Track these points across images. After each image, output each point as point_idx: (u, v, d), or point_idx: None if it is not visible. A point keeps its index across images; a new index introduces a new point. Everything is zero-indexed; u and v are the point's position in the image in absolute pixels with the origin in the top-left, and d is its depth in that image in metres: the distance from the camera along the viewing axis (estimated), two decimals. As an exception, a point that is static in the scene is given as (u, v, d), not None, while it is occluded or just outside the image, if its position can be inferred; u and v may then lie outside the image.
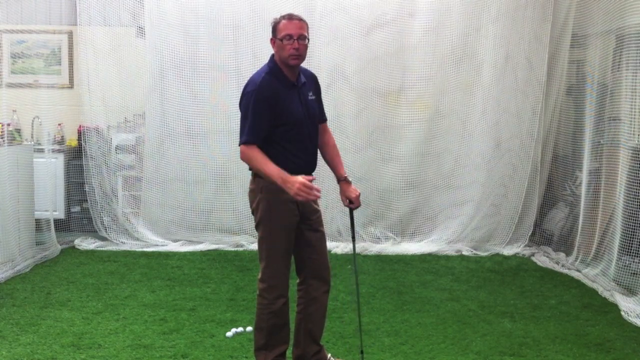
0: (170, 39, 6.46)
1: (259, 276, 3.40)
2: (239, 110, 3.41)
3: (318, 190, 3.11)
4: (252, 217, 3.44)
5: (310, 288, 3.46)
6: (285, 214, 3.31)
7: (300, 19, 3.30)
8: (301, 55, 3.27)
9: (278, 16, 3.34)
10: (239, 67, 6.44)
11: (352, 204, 3.50)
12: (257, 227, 3.40)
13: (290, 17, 3.28)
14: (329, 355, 3.62)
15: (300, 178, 3.09)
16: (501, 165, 6.64)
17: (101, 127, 6.66)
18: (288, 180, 3.10)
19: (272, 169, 3.15)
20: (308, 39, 3.31)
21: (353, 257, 3.69)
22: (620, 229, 5.04)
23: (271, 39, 3.33)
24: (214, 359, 3.73)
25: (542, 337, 4.15)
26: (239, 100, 3.38)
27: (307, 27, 3.33)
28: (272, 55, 3.37)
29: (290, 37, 3.23)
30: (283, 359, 3.47)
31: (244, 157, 3.25)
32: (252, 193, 3.38)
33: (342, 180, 3.54)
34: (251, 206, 3.42)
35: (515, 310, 4.66)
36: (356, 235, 6.50)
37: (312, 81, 3.49)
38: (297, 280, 3.51)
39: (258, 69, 3.43)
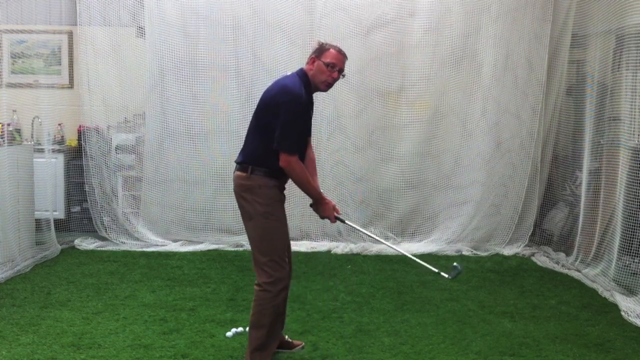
0: (170, 39, 6.46)
1: (261, 273, 3.43)
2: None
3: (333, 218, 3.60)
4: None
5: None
6: (282, 207, 3.51)
7: (345, 56, 3.52)
8: (332, 86, 3.49)
9: (327, 42, 3.54)
10: (239, 67, 6.44)
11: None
12: (254, 222, 3.43)
13: (340, 51, 3.49)
14: (286, 336, 3.84)
15: (333, 203, 3.59)
16: (501, 165, 6.64)
17: (101, 127, 6.67)
18: (325, 201, 3.55)
19: (315, 187, 3.52)
20: (344, 76, 3.53)
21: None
22: (620, 229, 5.05)
23: (313, 57, 3.48)
24: (214, 359, 3.73)
25: (542, 337, 4.15)
26: (266, 102, 3.44)
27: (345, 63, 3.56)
28: (302, 70, 3.51)
29: (334, 66, 3.43)
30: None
31: (288, 166, 3.38)
32: (249, 190, 3.43)
33: None
34: (244, 202, 3.46)
35: (515, 310, 4.67)
36: (356, 235, 6.55)
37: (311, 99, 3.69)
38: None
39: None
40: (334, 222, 3.62)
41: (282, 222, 3.49)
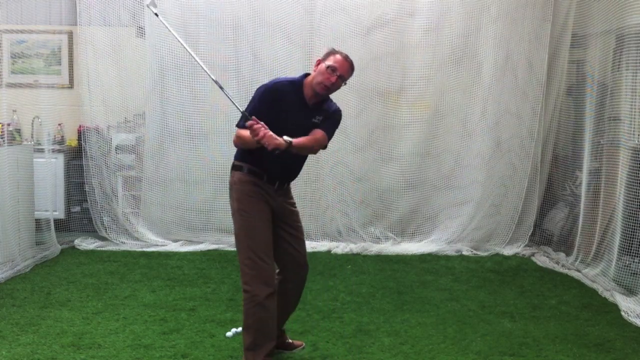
0: (170, 39, 6.43)
1: (241, 273, 3.43)
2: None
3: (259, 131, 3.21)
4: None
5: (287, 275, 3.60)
6: (260, 205, 3.43)
7: (352, 65, 3.48)
8: (330, 89, 3.45)
9: (339, 50, 3.51)
10: (239, 67, 6.44)
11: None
12: (234, 219, 3.47)
13: (345, 58, 3.46)
14: (287, 337, 3.84)
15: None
16: (501, 165, 6.64)
17: (101, 127, 6.67)
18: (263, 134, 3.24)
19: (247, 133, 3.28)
20: (345, 83, 3.49)
21: None
22: (620, 229, 5.04)
23: (318, 60, 3.50)
24: (214, 359, 3.73)
25: (542, 337, 4.15)
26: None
27: (352, 74, 3.50)
28: (306, 74, 3.53)
29: (334, 70, 3.42)
30: (270, 358, 3.47)
31: (234, 143, 3.43)
32: (230, 186, 3.50)
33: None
34: (229, 199, 3.51)
35: (515, 310, 4.66)
36: (356, 235, 6.55)
37: (331, 114, 3.57)
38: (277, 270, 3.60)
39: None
40: (285, 145, 3.22)
41: (260, 220, 3.41)
